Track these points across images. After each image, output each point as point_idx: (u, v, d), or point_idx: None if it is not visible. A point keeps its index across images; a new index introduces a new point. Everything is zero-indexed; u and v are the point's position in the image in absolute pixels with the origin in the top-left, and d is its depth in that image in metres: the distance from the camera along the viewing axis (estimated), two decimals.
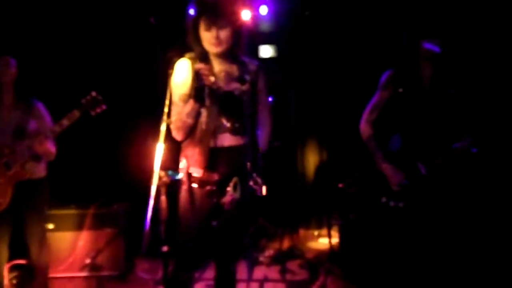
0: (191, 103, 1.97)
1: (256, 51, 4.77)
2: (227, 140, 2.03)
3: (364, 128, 2.55)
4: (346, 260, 3.31)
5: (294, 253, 3.91)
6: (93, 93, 2.67)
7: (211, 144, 2.00)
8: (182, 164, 2.06)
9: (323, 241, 4.19)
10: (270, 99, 4.72)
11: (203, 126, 2.00)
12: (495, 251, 2.73)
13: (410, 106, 2.44)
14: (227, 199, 1.99)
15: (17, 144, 2.62)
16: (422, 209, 2.38)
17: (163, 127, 1.88)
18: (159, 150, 1.83)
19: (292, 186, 4.51)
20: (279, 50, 4.71)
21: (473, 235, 2.55)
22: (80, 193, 3.71)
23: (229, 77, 2.06)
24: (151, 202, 1.77)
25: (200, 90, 1.96)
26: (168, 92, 1.97)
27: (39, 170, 2.75)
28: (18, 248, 2.89)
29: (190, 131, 2.02)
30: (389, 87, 2.48)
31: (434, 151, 2.37)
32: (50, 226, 3.46)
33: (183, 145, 2.09)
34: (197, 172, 2.01)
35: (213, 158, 2.00)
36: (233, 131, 2.01)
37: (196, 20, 1.99)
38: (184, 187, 2.04)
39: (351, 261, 3.26)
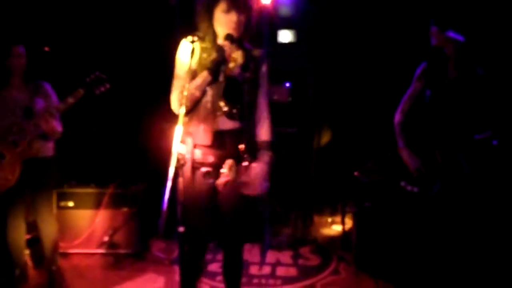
0: (203, 76, 2.00)
1: (275, 36, 4.74)
2: (224, 123, 2.07)
3: (397, 116, 2.67)
4: (359, 248, 3.33)
5: (307, 238, 3.95)
6: (97, 73, 2.74)
7: (210, 126, 2.04)
8: (188, 142, 2.05)
9: (336, 227, 4.21)
10: (287, 84, 4.76)
11: (208, 105, 2.04)
12: (508, 241, 2.72)
13: (434, 94, 2.48)
14: (220, 181, 2.05)
15: (25, 122, 2.71)
16: (435, 197, 2.42)
17: (182, 110, 1.90)
18: (178, 133, 1.85)
19: (307, 172, 4.51)
20: (298, 35, 4.67)
21: (487, 226, 2.55)
22: (99, 172, 3.79)
23: (236, 63, 2.09)
24: (169, 184, 1.80)
25: (218, 64, 2.00)
26: (187, 75, 1.98)
27: (47, 149, 2.84)
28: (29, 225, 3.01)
29: (192, 106, 2.04)
30: (422, 79, 2.56)
31: (454, 141, 2.39)
32: (70, 204, 3.56)
33: (186, 123, 2.06)
34: (198, 153, 2.05)
35: (211, 140, 2.05)
36: (230, 116, 2.05)
37: (213, 1, 2.02)
38: (188, 166, 2.04)
39: (364, 248, 3.27)
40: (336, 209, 4.41)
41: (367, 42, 4.18)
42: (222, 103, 2.05)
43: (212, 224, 2.18)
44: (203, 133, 2.04)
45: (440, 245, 2.49)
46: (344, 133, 4.50)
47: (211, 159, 2.05)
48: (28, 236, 3.15)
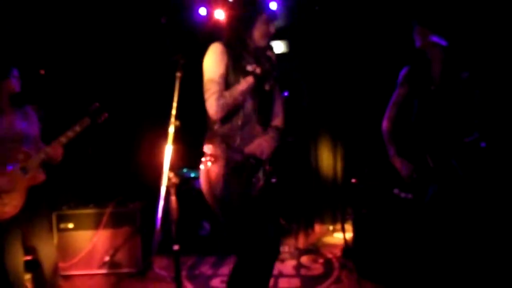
0: (248, 82, 2.03)
1: None
2: (258, 130, 2.13)
3: (384, 123, 2.66)
4: (360, 255, 3.32)
5: (309, 248, 3.94)
6: (96, 104, 2.82)
7: (251, 132, 2.07)
8: (221, 149, 2.03)
9: (338, 235, 4.20)
10: (285, 93, 4.78)
11: (249, 111, 2.08)
12: (502, 244, 2.71)
13: (422, 100, 2.49)
14: (258, 185, 2.05)
15: (30, 149, 2.73)
16: (430, 201, 2.42)
17: (171, 129, 1.92)
18: (168, 152, 1.87)
19: (306, 181, 4.51)
20: (290, 45, 4.71)
21: (481, 227, 2.55)
22: (98, 193, 3.80)
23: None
24: (161, 203, 1.81)
25: (268, 73, 2.08)
26: (175, 95, 2.01)
27: (44, 174, 2.84)
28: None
29: (233, 112, 2.05)
30: (405, 84, 2.56)
31: (444, 145, 2.40)
32: (70, 225, 3.57)
33: (221, 130, 2.06)
34: (237, 156, 2.03)
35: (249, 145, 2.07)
36: (260, 122, 2.12)
37: (255, 15, 2.10)
38: (221, 173, 2.00)
39: (365, 255, 3.26)
40: (336, 216, 4.40)
41: (359, 49, 4.21)
42: (255, 111, 2.11)
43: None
44: (243, 140, 2.05)
45: (438, 248, 2.48)
46: (340, 141, 4.51)
47: (252, 162, 2.05)
48: (28, 258, 3.15)
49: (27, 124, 2.79)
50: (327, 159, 4.52)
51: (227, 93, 2.00)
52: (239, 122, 2.05)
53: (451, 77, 2.41)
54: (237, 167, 2.00)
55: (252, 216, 2.01)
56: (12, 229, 2.75)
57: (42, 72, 4.03)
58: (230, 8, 2.15)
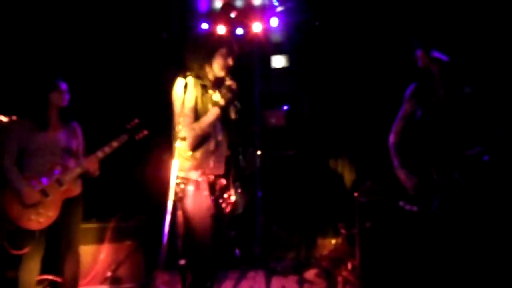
0: (214, 113, 2.21)
1: (268, 62, 4.85)
2: (224, 152, 2.35)
3: (391, 137, 2.71)
4: (363, 269, 3.30)
5: (312, 262, 3.92)
6: (136, 120, 2.89)
7: (216, 155, 2.26)
8: (194, 174, 2.22)
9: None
10: (285, 107, 4.83)
11: (219, 138, 2.24)
12: (505, 254, 2.72)
13: (425, 113, 2.53)
14: (229, 203, 2.23)
15: (68, 162, 2.80)
16: (435, 213, 2.43)
17: (177, 144, 1.94)
18: (174, 166, 1.89)
19: (308, 195, 4.52)
20: (291, 60, 4.77)
21: (486, 238, 2.56)
22: (100, 207, 3.79)
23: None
24: (168, 217, 1.82)
25: (230, 102, 2.25)
26: (181, 108, 2.04)
27: (80, 187, 2.92)
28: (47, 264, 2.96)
29: (202, 141, 2.24)
30: (412, 100, 2.62)
31: (447, 157, 2.43)
32: None
33: (194, 156, 2.24)
34: (209, 179, 2.24)
35: (216, 167, 2.29)
36: (226, 144, 2.34)
37: (216, 46, 2.31)
38: (196, 195, 2.19)
39: (368, 269, 3.25)
40: (339, 230, 4.39)
41: (358, 64, 4.26)
42: (221, 135, 2.30)
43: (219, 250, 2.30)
44: (216, 163, 2.27)
45: (442, 260, 2.48)
46: (341, 154, 4.53)
47: (223, 182, 2.28)
48: (48, 277, 3.11)
49: (71, 139, 2.87)
50: (329, 172, 4.52)
51: (196, 125, 2.19)
52: (211, 148, 2.25)
53: (454, 92, 2.46)
54: (211, 188, 2.24)
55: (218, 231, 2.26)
56: (39, 242, 2.76)
57: None
58: (193, 43, 2.39)
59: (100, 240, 3.54)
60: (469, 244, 2.44)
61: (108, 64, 4.30)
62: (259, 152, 4.22)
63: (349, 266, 3.62)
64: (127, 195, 4.14)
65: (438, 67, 2.46)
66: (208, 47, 2.30)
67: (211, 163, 2.22)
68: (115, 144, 2.80)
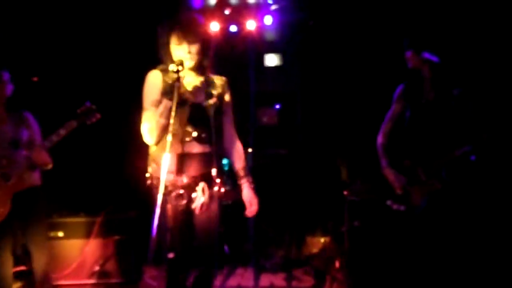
0: (164, 102, 2.09)
1: (261, 60, 4.85)
2: (194, 147, 2.15)
3: (379, 138, 2.72)
4: (351, 267, 3.33)
5: (300, 260, 3.94)
6: (88, 103, 2.75)
7: (179, 150, 2.12)
8: (152, 169, 2.18)
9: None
10: (277, 106, 4.82)
11: (176, 131, 2.09)
12: (493, 254, 2.77)
13: (413, 114, 2.55)
14: (197, 203, 2.12)
15: (13, 155, 2.67)
16: (423, 213, 2.46)
17: (169, 137, 1.94)
18: (166, 160, 1.88)
19: (298, 193, 4.53)
20: (284, 58, 4.78)
21: (473, 238, 2.60)
22: (89, 201, 3.77)
23: (197, 90, 2.19)
24: (158, 211, 1.82)
25: (171, 87, 2.09)
26: (173, 103, 2.03)
27: (34, 179, 2.78)
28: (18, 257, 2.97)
29: (162, 134, 2.10)
30: (401, 101, 2.64)
31: (435, 157, 2.45)
32: (60, 234, 3.53)
33: (152, 151, 2.21)
34: (169, 178, 2.09)
35: (181, 163, 2.13)
36: (199, 140, 2.14)
37: (168, 35, 2.17)
38: (156, 192, 2.04)
39: (356, 267, 3.28)
40: (328, 228, 4.41)
41: (352, 64, 4.29)
42: (190, 129, 2.14)
43: (190, 248, 2.20)
44: (170, 159, 2.04)
45: (430, 260, 2.51)
46: (333, 153, 4.55)
47: (181, 182, 2.12)
48: (22, 268, 3.08)
49: (21, 130, 2.74)
50: (319, 171, 4.55)
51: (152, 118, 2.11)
52: (164, 146, 2.06)
53: (443, 93, 2.48)
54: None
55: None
56: (3, 237, 2.69)
57: (36, 79, 4.01)
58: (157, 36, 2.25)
59: (88, 234, 3.51)
60: (456, 243, 2.48)
61: (101, 57, 4.28)
62: (250, 150, 4.23)
63: (337, 264, 3.64)
64: (117, 189, 4.12)
65: (429, 68, 2.48)
66: (162, 37, 2.18)
67: (167, 158, 1.98)
68: (62, 132, 2.66)
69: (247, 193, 2.29)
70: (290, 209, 4.39)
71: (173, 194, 2.11)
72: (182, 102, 2.10)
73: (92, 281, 3.49)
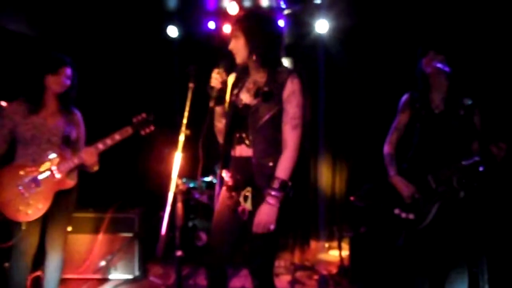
0: (217, 107, 2.09)
1: None
2: (242, 150, 2.05)
3: (385, 146, 2.72)
4: (355, 273, 3.33)
5: (304, 264, 3.95)
6: (144, 114, 2.70)
7: (228, 152, 2.09)
8: (217, 167, 2.15)
9: (334, 253, 4.21)
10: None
11: (225, 133, 2.09)
12: (500, 265, 2.76)
13: (424, 124, 2.56)
14: (239, 208, 2.02)
15: (64, 152, 2.62)
16: (433, 222, 2.45)
17: (181, 137, 1.97)
18: (177, 159, 1.91)
19: (304, 196, 4.54)
20: (294, 62, 4.79)
21: (482, 247, 2.59)
22: (98, 197, 3.81)
23: (248, 89, 2.08)
24: (168, 208, 1.85)
25: (220, 93, 2.06)
26: (187, 104, 2.06)
27: (75, 179, 2.73)
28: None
29: (221, 137, 2.13)
30: (406, 110, 2.64)
31: (444, 166, 2.45)
32: (68, 228, 3.56)
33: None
34: (225, 177, 2.10)
35: (229, 166, 2.09)
36: (244, 143, 2.04)
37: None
38: (217, 189, 2.11)
39: (360, 274, 3.28)
40: (333, 234, 4.42)
41: (360, 69, 4.29)
42: (237, 131, 2.06)
43: (232, 248, 2.14)
44: (220, 161, 2.09)
45: (438, 268, 2.51)
46: (340, 158, 4.56)
47: (229, 183, 2.06)
48: (38, 273, 2.99)
49: (71, 127, 2.67)
50: (326, 176, 4.56)
51: None
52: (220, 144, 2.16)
53: (454, 103, 2.48)
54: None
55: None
56: (28, 236, 2.54)
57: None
58: None
59: (96, 230, 3.56)
60: (466, 252, 2.47)
61: (117, 58, 4.35)
62: None
63: (341, 269, 3.65)
64: (126, 186, 4.17)
65: (442, 78, 2.49)
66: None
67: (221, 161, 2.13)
68: (117, 136, 2.60)
69: (259, 208, 1.96)
70: (295, 213, 4.39)
71: (229, 193, 2.08)
72: (219, 103, 2.09)
73: (97, 276, 3.53)
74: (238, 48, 2.03)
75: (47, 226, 2.67)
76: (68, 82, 2.63)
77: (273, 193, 1.92)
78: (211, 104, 2.06)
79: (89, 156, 2.57)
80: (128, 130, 2.63)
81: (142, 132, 2.69)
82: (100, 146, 2.60)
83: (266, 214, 1.92)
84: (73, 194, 2.73)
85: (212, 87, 2.04)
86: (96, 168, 2.70)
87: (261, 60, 2.02)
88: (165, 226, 1.82)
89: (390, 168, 2.62)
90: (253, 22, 2.03)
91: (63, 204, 2.65)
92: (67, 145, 2.65)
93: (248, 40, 2.00)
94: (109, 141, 2.61)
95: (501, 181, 2.82)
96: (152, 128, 2.70)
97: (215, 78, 2.04)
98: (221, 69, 2.05)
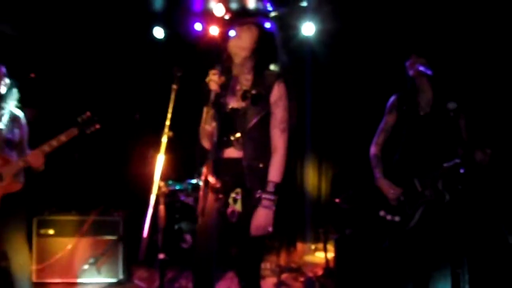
0: (205, 109, 2.03)
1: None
2: (230, 152, 2.03)
3: (371, 148, 2.72)
4: (341, 275, 3.34)
5: (291, 266, 3.94)
6: (88, 113, 2.71)
7: (218, 155, 2.04)
8: (202, 171, 2.07)
9: (320, 255, 4.22)
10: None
11: (214, 138, 2.03)
12: (486, 265, 2.79)
13: (410, 126, 2.57)
14: (228, 210, 1.99)
15: (8, 155, 2.61)
16: (418, 223, 2.46)
17: (164, 139, 1.95)
18: (160, 161, 1.89)
19: (290, 199, 4.55)
20: (282, 66, 4.79)
21: (467, 249, 2.62)
22: (81, 199, 3.77)
23: (233, 91, 2.06)
24: (150, 211, 1.83)
25: (208, 94, 2.00)
26: (170, 106, 2.04)
27: (22, 181, 2.71)
28: None
29: (205, 139, 2.08)
30: (393, 112, 2.65)
31: (429, 169, 2.47)
32: (50, 231, 3.52)
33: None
34: (211, 180, 2.03)
35: (218, 168, 2.03)
36: (231, 145, 2.02)
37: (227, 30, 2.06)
38: (201, 193, 2.02)
39: (346, 276, 3.29)
40: (319, 236, 4.43)
41: (348, 70, 4.31)
42: (226, 135, 2.03)
43: (219, 250, 2.10)
44: (209, 164, 2.02)
45: (423, 270, 2.52)
46: (325, 161, 4.58)
47: (217, 185, 2.02)
48: None
49: (13, 129, 2.66)
50: (312, 178, 4.57)
51: None
52: (208, 146, 2.10)
53: (439, 106, 2.50)
54: None
55: None
56: None
57: (33, 75, 4.00)
58: None
59: (78, 233, 3.50)
60: (451, 254, 2.49)
61: (103, 59, 4.31)
62: None
63: (327, 271, 3.66)
64: (109, 188, 4.12)
65: (425, 80, 2.50)
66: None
67: (209, 164, 2.01)
68: (63, 138, 2.60)
69: (256, 212, 1.96)
70: (281, 215, 4.39)
71: (216, 196, 2.03)
72: (216, 106, 2.00)
73: (80, 279, 3.48)
74: (240, 48, 2.02)
75: (1, 232, 2.65)
76: (4, 82, 2.64)
77: (268, 196, 1.94)
78: (208, 106, 2.00)
79: (36, 159, 2.59)
80: (74, 131, 2.65)
81: (87, 131, 2.70)
82: (46, 148, 2.61)
83: (264, 217, 1.94)
84: (21, 196, 2.70)
85: (210, 90, 1.99)
86: (41, 169, 2.70)
87: (258, 66, 2.04)
88: (147, 229, 1.80)
89: (376, 170, 2.62)
90: (267, 29, 2.06)
91: (13, 207, 2.64)
92: (11, 148, 2.65)
93: (258, 47, 2.02)
94: (54, 143, 2.62)
95: (481, 183, 2.85)
96: (98, 126, 2.72)
97: (213, 81, 1.98)
98: (217, 71, 2.00)
